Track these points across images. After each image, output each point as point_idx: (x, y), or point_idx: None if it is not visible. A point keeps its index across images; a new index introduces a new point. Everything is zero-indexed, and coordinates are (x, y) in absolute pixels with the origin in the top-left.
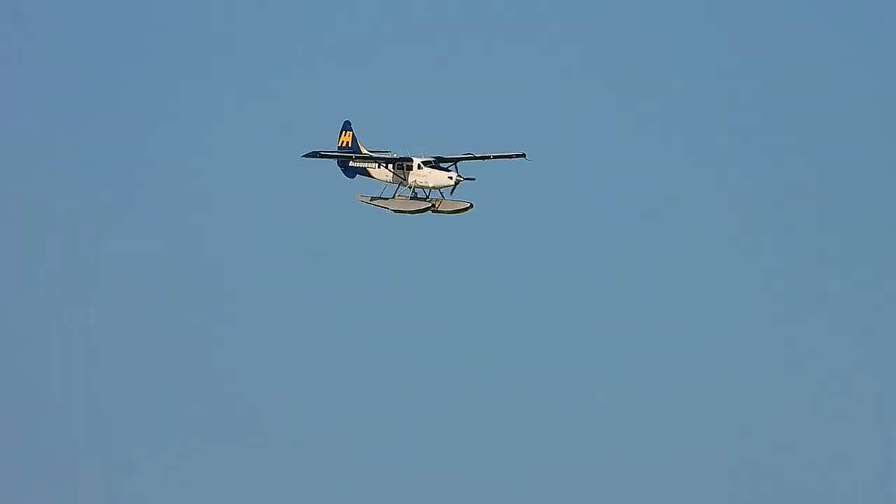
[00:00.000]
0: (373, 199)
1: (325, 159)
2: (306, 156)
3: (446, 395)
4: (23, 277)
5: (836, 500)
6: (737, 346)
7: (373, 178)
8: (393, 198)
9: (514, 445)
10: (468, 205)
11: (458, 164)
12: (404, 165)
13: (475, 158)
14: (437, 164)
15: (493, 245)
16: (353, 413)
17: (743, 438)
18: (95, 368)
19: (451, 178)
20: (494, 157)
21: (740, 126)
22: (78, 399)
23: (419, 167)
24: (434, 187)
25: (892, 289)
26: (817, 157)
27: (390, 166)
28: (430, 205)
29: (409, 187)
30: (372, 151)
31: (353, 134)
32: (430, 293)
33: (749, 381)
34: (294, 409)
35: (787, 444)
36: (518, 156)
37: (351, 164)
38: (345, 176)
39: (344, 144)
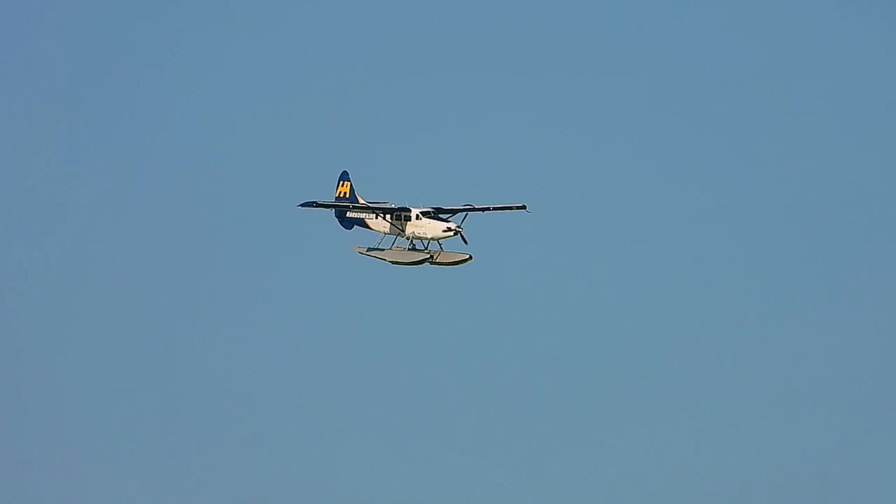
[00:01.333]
0: (370, 250)
1: (322, 209)
2: (303, 205)
3: (442, 451)
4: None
5: (836, 499)
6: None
7: (370, 229)
8: (390, 249)
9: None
10: (467, 256)
11: (456, 215)
12: (402, 216)
13: (475, 210)
14: (435, 214)
15: (492, 298)
16: (349, 467)
17: (742, 438)
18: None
19: (449, 228)
20: (494, 208)
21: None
22: (71, 393)
23: (417, 217)
24: (432, 238)
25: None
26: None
27: (388, 217)
28: (427, 256)
29: (407, 238)
30: (369, 202)
31: (350, 184)
32: (427, 347)
33: (749, 387)
34: (286, 469)
35: (786, 443)
36: (518, 208)
37: (348, 214)
38: (342, 227)
39: (341, 195)
